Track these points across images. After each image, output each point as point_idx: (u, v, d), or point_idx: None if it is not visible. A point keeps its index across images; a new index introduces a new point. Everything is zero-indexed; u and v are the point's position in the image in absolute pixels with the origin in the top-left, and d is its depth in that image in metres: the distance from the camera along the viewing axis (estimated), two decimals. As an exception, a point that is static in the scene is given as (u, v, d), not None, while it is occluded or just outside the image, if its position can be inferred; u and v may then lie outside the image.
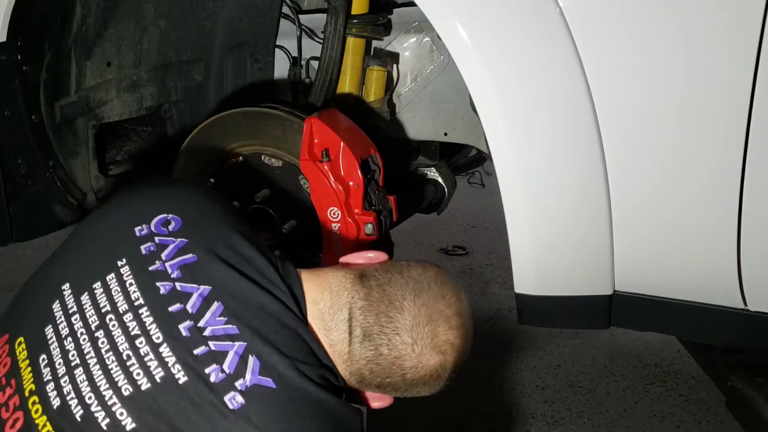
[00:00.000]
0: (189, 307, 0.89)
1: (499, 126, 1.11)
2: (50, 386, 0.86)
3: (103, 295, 0.91)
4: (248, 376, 0.86)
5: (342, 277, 0.99)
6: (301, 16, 1.69)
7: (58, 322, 0.91)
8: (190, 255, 0.93)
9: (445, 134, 1.69)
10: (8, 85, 1.43)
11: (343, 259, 1.07)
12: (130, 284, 0.91)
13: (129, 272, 0.92)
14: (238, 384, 0.85)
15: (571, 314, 1.29)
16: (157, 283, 0.91)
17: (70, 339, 0.89)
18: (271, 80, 1.77)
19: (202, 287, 0.91)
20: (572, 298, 1.25)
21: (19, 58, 1.43)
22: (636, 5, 1.04)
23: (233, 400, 0.85)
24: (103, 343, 0.88)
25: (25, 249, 3.22)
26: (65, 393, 0.86)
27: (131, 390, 0.84)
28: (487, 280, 3.19)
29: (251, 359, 0.87)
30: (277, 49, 1.73)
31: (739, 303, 1.17)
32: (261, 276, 0.94)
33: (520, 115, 1.11)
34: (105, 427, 0.83)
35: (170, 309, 0.89)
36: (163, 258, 0.93)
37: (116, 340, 0.88)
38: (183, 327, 0.88)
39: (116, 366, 0.86)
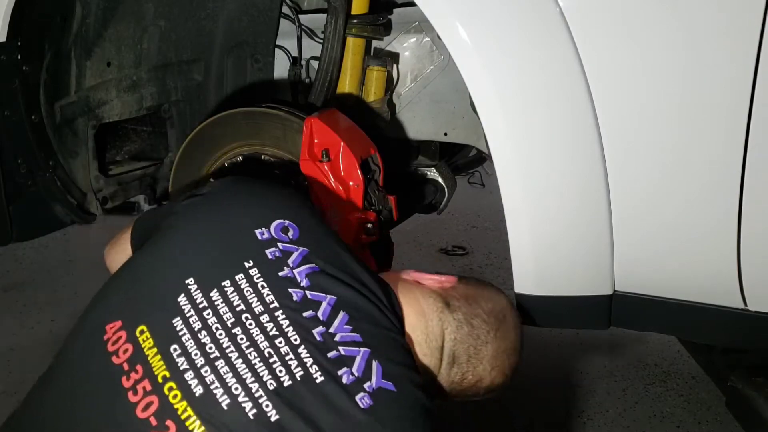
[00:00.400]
0: (320, 314, 0.97)
1: (499, 126, 1.11)
2: (189, 374, 0.90)
3: (235, 294, 0.97)
4: (374, 379, 0.94)
5: (432, 305, 1.09)
6: (301, 16, 1.69)
7: (188, 315, 0.95)
8: (314, 265, 1.01)
9: (445, 134, 1.69)
10: (8, 85, 1.43)
11: (415, 276, 1.15)
12: (263, 287, 0.98)
13: (259, 275, 0.98)
14: (366, 386, 0.93)
15: (571, 314, 1.29)
16: (290, 290, 0.98)
17: (204, 333, 0.94)
18: (271, 80, 1.77)
19: (329, 296, 0.99)
20: (572, 298, 1.25)
21: (19, 58, 1.43)
22: (636, 5, 1.04)
23: (363, 400, 0.92)
24: (242, 339, 0.94)
25: (25, 249, 3.23)
26: (208, 382, 0.90)
27: (275, 385, 0.91)
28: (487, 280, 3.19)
29: (374, 364, 0.95)
30: (277, 49, 1.73)
31: (739, 303, 1.17)
32: (371, 293, 1.03)
33: (520, 115, 1.11)
34: (252, 417, 0.89)
35: (304, 315, 0.96)
36: (291, 265, 1.00)
37: (255, 338, 0.94)
38: (316, 332, 0.95)
39: (259, 361, 0.92)
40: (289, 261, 1.00)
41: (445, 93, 1.64)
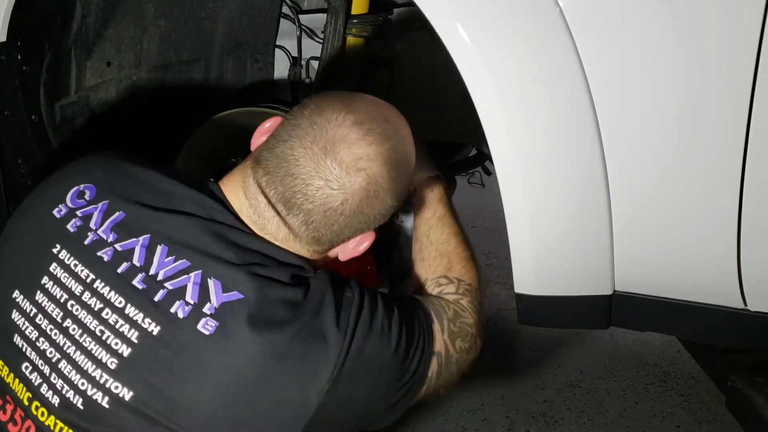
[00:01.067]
0: (135, 261, 0.90)
1: (499, 126, 1.11)
2: (44, 387, 0.88)
3: (55, 286, 0.92)
4: (213, 298, 0.87)
5: (245, 169, 1.00)
6: (301, 16, 1.69)
7: (24, 329, 0.92)
8: (118, 213, 0.94)
9: (446, 134, 1.69)
10: (8, 85, 1.43)
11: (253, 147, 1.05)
12: (75, 265, 0.92)
13: (68, 254, 0.93)
14: (206, 309, 0.86)
15: (571, 314, 1.29)
16: (98, 253, 0.91)
17: (42, 339, 0.90)
18: (271, 80, 1.76)
19: (141, 238, 0.91)
20: (572, 298, 1.25)
21: (19, 58, 1.43)
22: (636, 5, 1.04)
23: (206, 326, 0.86)
24: (74, 330, 0.89)
25: (25, 249, 3.23)
26: (59, 388, 0.87)
27: (116, 361, 0.86)
28: (487, 280, 3.19)
29: (211, 282, 0.88)
30: (277, 49, 1.73)
31: (739, 303, 1.17)
32: (191, 204, 0.95)
33: (520, 115, 1.11)
34: (107, 405, 0.85)
35: (119, 271, 0.90)
36: (93, 227, 0.93)
37: (84, 321, 0.89)
38: (137, 281, 0.89)
39: (94, 345, 0.88)
40: (91, 224, 0.94)
41: (445, 93, 1.64)
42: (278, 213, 0.95)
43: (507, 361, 2.53)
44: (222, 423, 0.86)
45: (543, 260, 1.21)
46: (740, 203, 1.08)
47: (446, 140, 1.71)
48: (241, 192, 0.98)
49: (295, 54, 1.71)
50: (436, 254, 1.19)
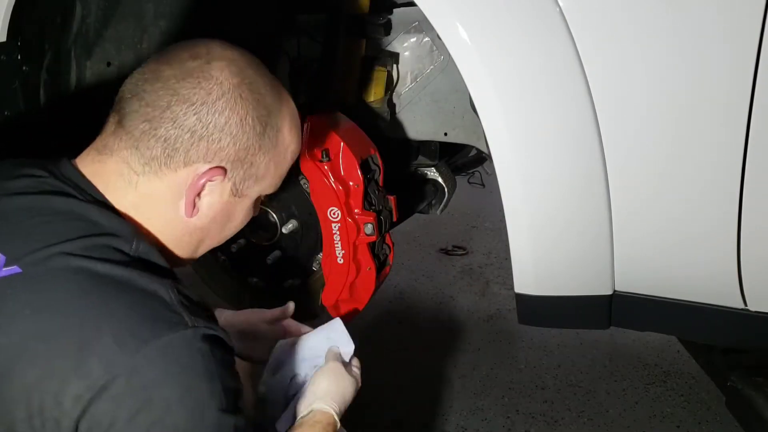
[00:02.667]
0: None
1: (499, 126, 1.11)
2: None
3: None
4: None
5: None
6: (301, 16, 1.69)
7: None
8: None
9: (445, 134, 1.69)
10: (8, 85, 1.44)
11: None
12: None
13: None
14: None
15: (571, 314, 1.29)
16: None
17: None
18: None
19: None
20: (572, 298, 1.25)
21: (19, 58, 1.43)
22: (636, 5, 1.04)
23: None
24: None
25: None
26: None
27: None
28: (487, 280, 3.19)
29: None
30: (277, 49, 1.73)
31: (739, 303, 1.17)
32: (27, 180, 0.91)
33: (520, 115, 1.11)
34: None
35: None
36: None
37: None
38: None
39: None
40: None
41: (445, 93, 1.64)
42: (117, 122, 0.91)
43: (507, 361, 2.53)
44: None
45: (543, 260, 1.21)
46: (740, 203, 1.08)
47: (446, 140, 1.71)
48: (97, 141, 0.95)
49: (295, 54, 1.71)
50: None
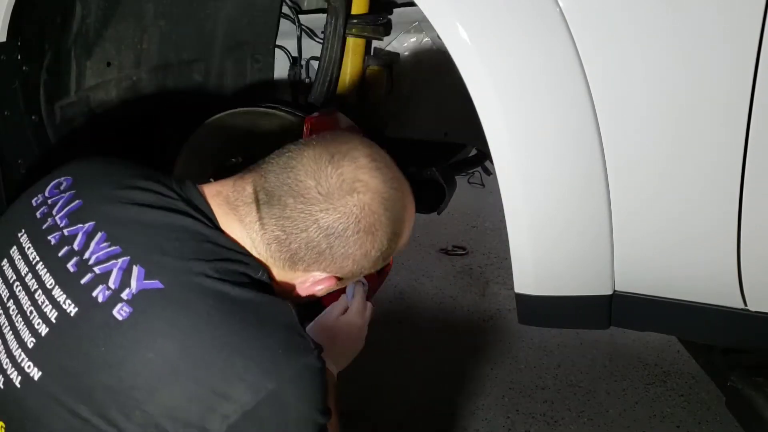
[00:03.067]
0: (75, 245, 0.90)
1: (499, 126, 1.11)
2: None
3: (9, 268, 0.94)
4: (133, 283, 0.85)
5: (246, 173, 0.99)
6: (301, 16, 1.69)
7: None
8: (77, 201, 0.94)
9: (445, 134, 1.69)
10: (8, 85, 1.44)
11: None
12: (28, 248, 0.93)
13: (26, 239, 0.94)
14: (125, 294, 0.85)
15: (571, 314, 1.29)
16: (48, 237, 0.92)
17: None
18: (271, 80, 1.77)
19: (86, 224, 0.91)
20: (572, 298, 1.25)
21: (19, 58, 1.43)
22: (636, 5, 1.04)
23: (121, 311, 0.84)
24: (13, 310, 0.90)
25: (25, 249, 3.22)
26: None
27: (34, 341, 0.86)
28: (487, 280, 3.19)
29: (135, 269, 0.86)
30: (277, 49, 1.74)
31: (739, 303, 1.17)
32: (153, 195, 0.94)
33: (520, 115, 1.11)
34: (19, 385, 0.85)
35: (59, 254, 0.90)
36: (54, 213, 0.94)
37: (21, 302, 0.90)
38: (70, 265, 0.88)
39: (23, 324, 0.88)
40: (54, 211, 0.95)
41: (445, 93, 1.64)
42: (257, 200, 0.94)
43: (507, 361, 2.53)
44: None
45: (543, 260, 1.21)
46: (740, 203, 1.08)
47: (446, 140, 1.71)
48: (229, 185, 0.98)
49: (295, 54, 1.71)
50: None
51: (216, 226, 0.94)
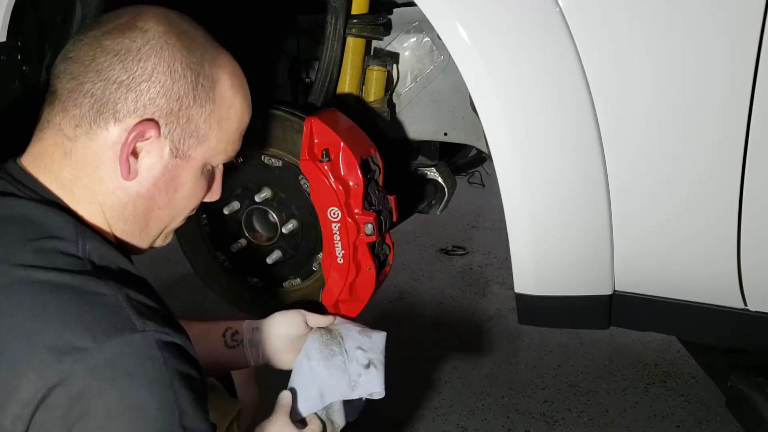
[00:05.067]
0: None
1: (499, 126, 1.11)
2: None
3: None
4: None
5: None
6: (301, 16, 1.69)
7: None
8: None
9: (445, 134, 1.69)
10: (8, 85, 1.43)
11: None
12: None
13: None
14: None
15: (571, 314, 1.29)
16: None
17: None
18: (271, 80, 1.77)
19: None
20: (572, 298, 1.25)
21: (19, 58, 1.43)
22: (636, 5, 1.04)
23: None
24: None
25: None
26: None
27: None
28: (487, 280, 3.19)
29: None
30: (277, 49, 1.73)
31: (739, 303, 1.17)
32: None
33: (520, 115, 1.11)
34: None
35: None
36: None
37: None
38: None
39: None
40: None
41: (445, 93, 1.64)
42: (49, 103, 0.88)
43: (507, 361, 2.53)
44: None
45: (543, 260, 1.21)
46: (740, 203, 1.08)
47: (446, 140, 1.71)
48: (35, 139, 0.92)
49: (295, 54, 1.71)
50: None
51: (32, 195, 0.87)
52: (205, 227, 1.64)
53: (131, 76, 0.85)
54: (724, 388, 1.52)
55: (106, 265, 0.84)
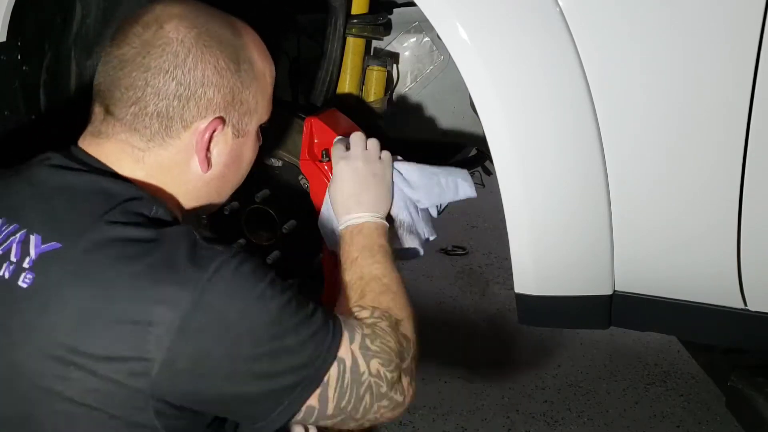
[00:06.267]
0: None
1: (499, 126, 1.11)
2: None
3: None
4: (32, 251, 0.85)
5: None
6: (301, 16, 1.69)
7: None
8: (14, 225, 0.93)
9: (446, 134, 1.69)
10: (8, 85, 1.43)
11: None
12: None
13: None
14: (26, 263, 0.85)
15: (571, 314, 1.29)
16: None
17: None
18: (271, 80, 1.76)
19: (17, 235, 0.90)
20: (572, 298, 1.25)
21: (19, 58, 1.43)
22: (636, 5, 1.04)
23: (24, 280, 0.84)
24: None
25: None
26: None
27: None
28: (487, 280, 3.19)
29: (32, 238, 0.87)
30: (277, 49, 1.73)
31: (739, 303, 1.17)
32: (45, 169, 0.94)
33: (520, 115, 1.11)
34: None
35: None
36: None
37: None
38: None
39: None
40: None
41: (445, 93, 1.64)
42: (104, 108, 0.95)
43: (507, 361, 2.53)
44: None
45: (543, 260, 1.21)
46: (740, 203, 1.08)
47: (446, 140, 1.71)
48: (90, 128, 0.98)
49: (295, 54, 1.71)
50: (352, 285, 1.11)
51: (104, 170, 0.94)
52: (205, 227, 1.64)
53: (186, 88, 0.93)
54: (724, 388, 1.52)
55: (173, 221, 0.93)
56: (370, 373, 0.93)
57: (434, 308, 2.95)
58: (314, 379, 0.89)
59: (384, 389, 0.96)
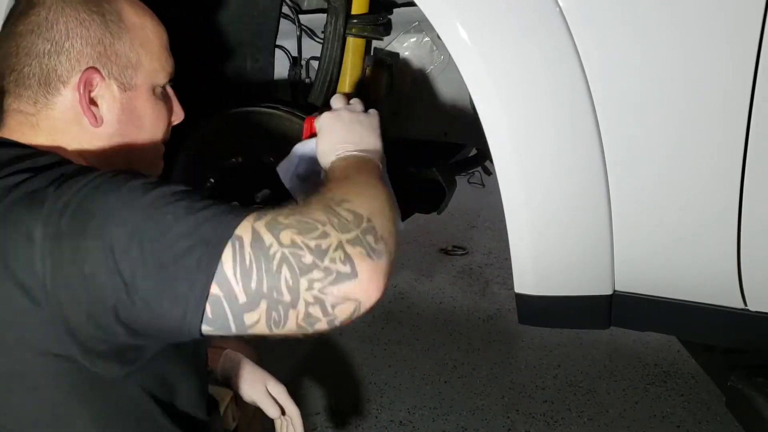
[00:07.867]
0: None
1: (499, 126, 1.11)
2: None
3: None
4: None
5: None
6: (301, 16, 1.69)
7: None
8: None
9: (445, 134, 1.69)
10: None
11: None
12: None
13: None
14: None
15: (571, 314, 1.29)
16: None
17: None
18: (271, 80, 1.76)
19: None
20: (572, 298, 1.25)
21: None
22: (636, 5, 1.04)
23: None
24: None
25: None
26: None
27: None
28: (487, 280, 3.19)
29: None
30: (277, 49, 1.73)
31: (739, 303, 1.17)
32: None
33: (520, 115, 1.11)
34: None
35: None
36: None
37: None
38: None
39: None
40: None
41: (445, 93, 1.64)
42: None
43: (507, 361, 2.53)
44: None
45: (543, 260, 1.21)
46: (740, 203, 1.08)
47: (446, 140, 1.71)
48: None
49: (295, 54, 1.71)
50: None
51: (9, 143, 0.97)
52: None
53: (53, 42, 0.95)
54: (724, 388, 1.52)
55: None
56: (281, 245, 0.80)
57: (434, 308, 2.95)
58: (204, 261, 0.78)
59: (308, 259, 0.79)
